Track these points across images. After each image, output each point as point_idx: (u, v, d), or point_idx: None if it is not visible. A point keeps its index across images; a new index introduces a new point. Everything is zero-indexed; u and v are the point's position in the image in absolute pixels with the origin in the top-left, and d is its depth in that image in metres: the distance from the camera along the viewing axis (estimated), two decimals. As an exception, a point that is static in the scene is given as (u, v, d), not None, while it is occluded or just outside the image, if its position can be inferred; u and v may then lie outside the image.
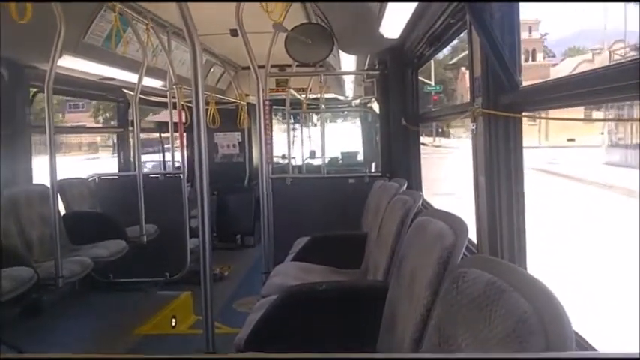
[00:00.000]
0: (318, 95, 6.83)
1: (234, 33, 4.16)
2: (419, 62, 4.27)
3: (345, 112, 14.89)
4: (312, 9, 4.09)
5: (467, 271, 1.25)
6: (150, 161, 8.51)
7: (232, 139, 7.79)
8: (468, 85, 2.50)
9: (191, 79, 2.19)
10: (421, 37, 3.56)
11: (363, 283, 2.82)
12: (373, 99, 6.73)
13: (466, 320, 1.19)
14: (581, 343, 1.58)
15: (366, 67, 5.28)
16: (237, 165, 7.81)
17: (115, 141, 6.36)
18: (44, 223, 4.08)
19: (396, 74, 4.40)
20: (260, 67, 3.79)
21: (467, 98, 2.52)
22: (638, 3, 2.34)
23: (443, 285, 1.40)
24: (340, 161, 9.86)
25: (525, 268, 1.97)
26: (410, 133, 4.38)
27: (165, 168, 7.29)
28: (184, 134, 5.34)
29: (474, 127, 2.30)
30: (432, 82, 22.29)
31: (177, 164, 6.75)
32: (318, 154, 7.92)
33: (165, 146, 7.55)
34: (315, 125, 10.17)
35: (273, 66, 4.49)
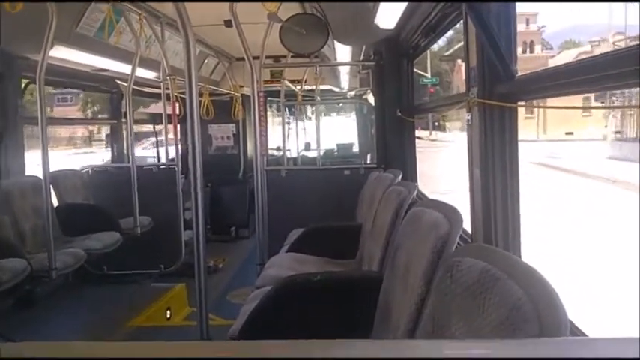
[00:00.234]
0: (313, 87, 6.80)
1: (228, 24, 4.14)
2: (414, 53, 4.25)
3: (341, 104, 14.87)
4: (306, -1, 4.07)
5: (461, 260, 1.25)
6: (142, 156, 8.48)
7: (227, 131, 7.76)
8: (464, 77, 2.49)
9: (184, 71, 2.18)
10: (416, 28, 3.55)
11: (357, 274, 2.82)
12: (368, 90, 6.72)
13: (460, 309, 1.19)
14: (575, 331, 1.59)
15: (361, 58, 5.26)
16: (231, 157, 7.79)
17: (108, 132, 6.32)
18: (37, 214, 4.05)
19: (392, 65, 4.39)
20: (254, 58, 3.76)
21: (463, 90, 2.52)
22: (638, 3, 2.32)
23: (437, 274, 1.40)
24: (335, 153, 9.84)
25: (520, 257, 1.97)
26: (405, 125, 4.37)
27: (159, 160, 7.25)
28: (178, 125, 5.32)
29: (469, 118, 2.29)
30: (429, 75, 22.16)
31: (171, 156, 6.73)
32: (314, 146, 7.91)
33: (159, 138, 7.52)
34: (310, 118, 10.13)
35: (267, 57, 4.46)
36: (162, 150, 6.87)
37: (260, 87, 4.01)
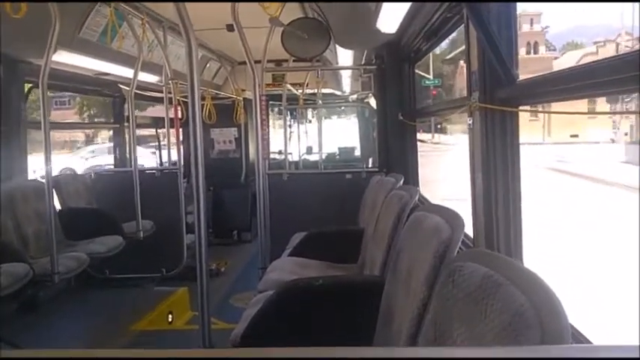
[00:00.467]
0: (315, 90, 6.81)
1: (230, 28, 4.15)
2: (416, 57, 4.26)
3: (342, 108, 14.87)
4: (308, 4, 4.08)
5: (463, 265, 1.25)
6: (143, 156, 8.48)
7: (229, 135, 7.77)
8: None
9: (187, 75, 2.18)
10: (418, 32, 3.55)
11: (359, 278, 2.81)
12: (370, 94, 6.72)
13: (462, 314, 1.18)
14: (578, 337, 1.58)
15: (363, 62, 5.27)
16: (233, 160, 7.80)
17: (103, 136, 6.33)
18: (40, 219, 4.06)
19: (393, 69, 4.39)
20: (256, 62, 3.77)
21: (465, 93, 2.52)
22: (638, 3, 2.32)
23: (439, 279, 1.40)
24: (337, 157, 9.84)
25: (522, 262, 1.97)
26: (407, 128, 4.38)
27: (161, 164, 7.26)
28: (180, 129, 5.33)
29: (470, 122, 2.29)
30: (431, 77, 22.06)
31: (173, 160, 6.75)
32: (315, 149, 7.91)
33: (162, 142, 7.53)
34: (310, 121, 10.13)
35: (269, 61, 4.47)
36: (164, 154, 6.88)
37: (262, 91, 4.02)
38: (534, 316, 0.94)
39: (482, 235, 2.19)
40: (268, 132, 4.23)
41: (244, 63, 4.07)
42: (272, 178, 4.36)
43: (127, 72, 4.67)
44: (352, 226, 3.75)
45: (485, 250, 1.86)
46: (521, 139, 2.15)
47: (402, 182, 3.28)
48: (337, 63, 5.68)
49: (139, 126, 5.77)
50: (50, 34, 3.37)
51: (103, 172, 5.49)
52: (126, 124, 5.98)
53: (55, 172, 5.06)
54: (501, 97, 2.08)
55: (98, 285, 4.87)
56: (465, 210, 1.82)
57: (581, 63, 1.71)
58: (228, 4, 3.37)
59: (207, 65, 6.63)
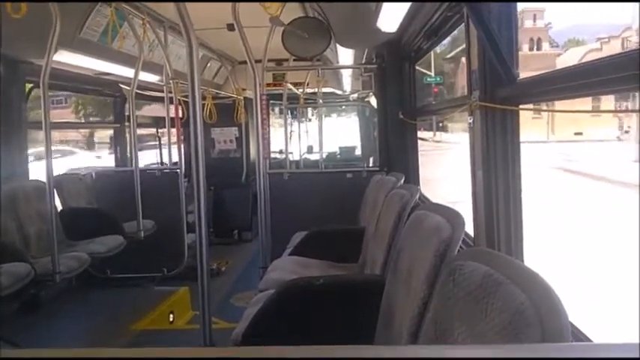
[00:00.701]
0: (316, 90, 6.81)
1: (230, 27, 4.15)
2: (416, 56, 4.26)
3: (343, 107, 14.87)
4: (309, 3, 4.08)
5: (464, 264, 1.25)
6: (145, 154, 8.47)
7: (229, 134, 7.77)
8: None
9: (187, 74, 2.18)
10: (418, 31, 3.55)
11: (360, 278, 2.82)
12: (371, 93, 6.72)
13: (463, 313, 1.19)
14: (578, 335, 1.58)
15: (363, 61, 5.27)
16: (234, 160, 7.80)
17: (99, 136, 6.35)
18: (41, 219, 4.06)
19: (394, 68, 4.39)
20: (257, 61, 3.77)
21: (466, 92, 2.52)
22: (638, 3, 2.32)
23: (440, 278, 1.40)
24: (338, 156, 9.85)
25: (522, 261, 1.97)
26: (407, 127, 4.37)
27: (162, 163, 7.28)
28: (181, 129, 5.33)
29: (471, 121, 2.29)
30: (432, 74, 21.94)
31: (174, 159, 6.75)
32: (316, 148, 7.91)
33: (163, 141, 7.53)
34: (310, 120, 10.13)
35: (270, 60, 4.47)
36: (165, 153, 6.89)
37: (262, 90, 4.02)
38: (534, 314, 0.94)
39: (483, 234, 2.19)
40: (269, 131, 4.23)
41: (245, 62, 4.08)
42: (273, 178, 4.37)
43: (127, 72, 4.67)
44: (353, 226, 3.75)
45: (485, 249, 1.86)
46: (525, 137, 2.14)
47: (402, 181, 3.28)
48: (338, 62, 5.68)
49: (139, 126, 5.77)
50: (51, 34, 3.38)
51: (103, 171, 5.49)
52: (127, 123, 5.98)
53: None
54: (502, 96, 2.08)
55: (99, 285, 4.88)
56: (467, 211, 1.80)
57: (585, 59, 1.69)
58: (229, 4, 3.38)
59: (208, 65, 6.63)
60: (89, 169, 5.37)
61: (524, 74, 2.04)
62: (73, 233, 4.34)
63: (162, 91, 5.30)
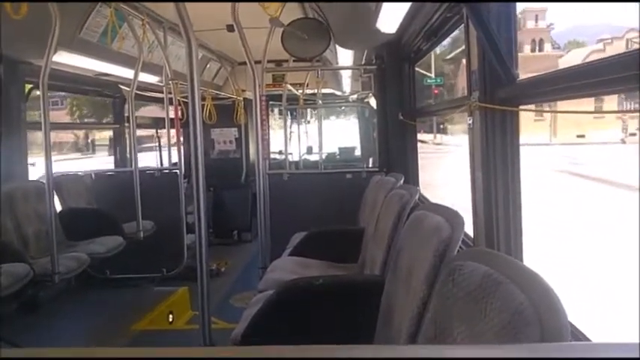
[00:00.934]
0: (315, 91, 6.81)
1: (230, 28, 4.15)
2: (416, 57, 4.26)
3: (343, 108, 14.87)
4: (308, 4, 4.08)
5: (463, 264, 1.25)
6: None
7: (229, 135, 7.77)
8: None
9: (187, 75, 2.18)
10: (418, 32, 3.56)
11: (359, 278, 2.82)
12: (370, 94, 6.72)
13: (462, 313, 1.19)
14: (577, 335, 1.58)
15: (363, 61, 5.27)
16: (234, 161, 7.80)
17: (111, 136, 6.35)
18: (40, 219, 4.06)
19: (393, 69, 4.40)
20: (257, 62, 3.78)
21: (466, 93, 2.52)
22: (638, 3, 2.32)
23: (439, 278, 1.40)
24: (337, 157, 9.85)
25: (522, 261, 1.97)
26: (407, 128, 4.38)
27: (161, 164, 7.28)
28: (181, 130, 5.33)
29: (470, 122, 2.30)
30: (433, 75, 21.84)
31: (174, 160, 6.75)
32: (316, 149, 7.91)
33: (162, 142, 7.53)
34: (309, 122, 10.13)
35: (269, 61, 4.47)
36: (164, 154, 6.89)
37: (262, 91, 4.02)
38: (534, 314, 0.94)
39: (483, 234, 2.19)
40: (268, 132, 4.23)
41: (244, 63, 4.08)
42: (272, 178, 4.37)
43: (127, 72, 4.67)
44: (352, 226, 3.75)
45: (485, 249, 1.86)
46: (528, 139, 2.14)
47: (402, 182, 3.29)
48: (337, 63, 5.68)
49: (139, 126, 5.78)
50: (50, 35, 3.38)
51: (103, 172, 5.49)
52: (126, 124, 5.98)
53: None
54: (501, 97, 2.08)
55: (98, 285, 4.88)
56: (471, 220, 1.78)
57: (587, 60, 1.69)
58: (228, 5, 3.38)
59: (208, 66, 6.64)
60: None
61: (526, 76, 2.04)
62: (73, 233, 4.34)
63: (162, 92, 5.31)
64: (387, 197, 2.80)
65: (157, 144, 7.02)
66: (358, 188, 4.09)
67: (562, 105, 2.05)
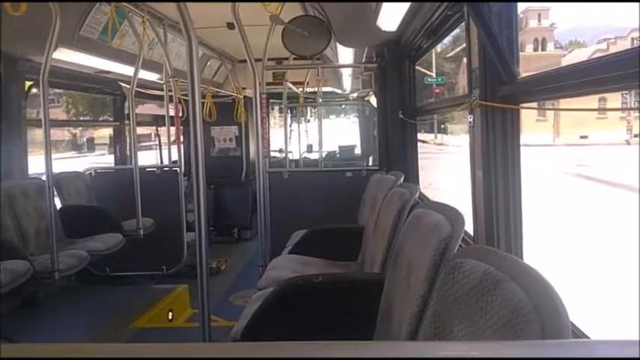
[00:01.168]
0: (316, 89, 6.81)
1: (230, 26, 4.15)
2: (416, 55, 4.25)
3: (343, 106, 14.87)
4: (309, 1, 4.08)
5: (463, 261, 1.25)
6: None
7: (229, 133, 7.76)
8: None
9: (187, 73, 2.18)
10: (418, 30, 3.55)
11: (359, 276, 2.82)
12: (371, 92, 6.72)
13: (462, 311, 1.18)
14: (577, 333, 1.58)
15: (363, 60, 5.26)
16: (234, 159, 7.80)
17: (111, 134, 6.35)
18: (40, 216, 4.06)
19: (394, 67, 4.39)
20: (257, 60, 3.77)
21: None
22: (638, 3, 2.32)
23: (439, 276, 1.40)
24: (337, 155, 9.85)
25: (522, 259, 1.97)
26: (407, 127, 4.37)
27: (161, 162, 7.28)
28: (181, 128, 5.32)
29: (471, 119, 2.29)
30: (434, 74, 21.73)
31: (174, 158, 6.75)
32: (316, 147, 7.91)
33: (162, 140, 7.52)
34: (309, 121, 10.13)
35: (270, 59, 4.47)
36: (165, 152, 6.89)
37: (262, 89, 4.02)
38: (533, 311, 0.94)
39: (483, 233, 2.19)
40: (269, 130, 4.23)
41: (245, 61, 4.08)
42: (272, 176, 4.37)
43: (127, 70, 4.67)
44: (352, 224, 3.75)
45: (485, 247, 1.86)
46: (530, 140, 2.13)
47: (402, 180, 3.28)
48: (337, 61, 5.67)
49: (139, 124, 5.77)
50: (51, 32, 3.37)
51: (103, 169, 5.49)
52: (126, 122, 5.98)
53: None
54: (502, 95, 2.08)
55: (98, 283, 4.88)
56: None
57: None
58: (229, 3, 3.37)
59: (208, 63, 6.63)
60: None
61: (527, 74, 2.03)
62: (73, 231, 4.34)
63: (162, 90, 5.30)
64: (387, 195, 2.80)
65: (157, 142, 7.02)
66: (358, 186, 4.09)
67: (565, 103, 2.05)
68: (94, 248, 4.14)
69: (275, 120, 10.12)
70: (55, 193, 4.30)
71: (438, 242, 1.54)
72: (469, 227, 2.13)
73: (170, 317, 4.25)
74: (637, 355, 0.67)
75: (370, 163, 7.71)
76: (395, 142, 4.45)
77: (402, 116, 4.31)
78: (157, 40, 4.79)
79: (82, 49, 4.07)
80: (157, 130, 7.21)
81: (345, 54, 5.12)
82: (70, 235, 4.31)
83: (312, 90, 7.04)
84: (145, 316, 4.11)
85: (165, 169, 5.49)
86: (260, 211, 4.02)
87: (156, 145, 7.13)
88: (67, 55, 4.00)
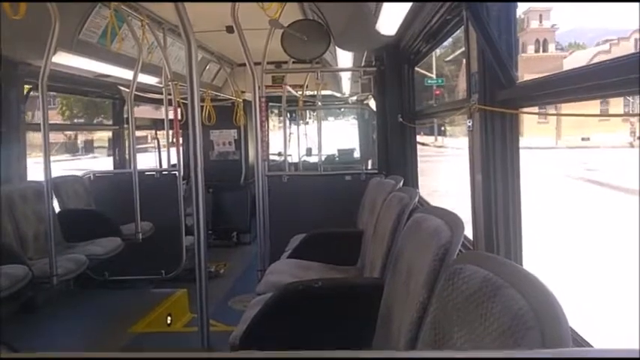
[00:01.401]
0: (315, 92, 6.81)
1: (230, 30, 4.15)
2: (415, 59, 4.26)
3: (342, 110, 14.87)
4: (308, 5, 4.08)
5: (463, 267, 1.25)
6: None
7: (228, 137, 7.76)
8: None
9: (186, 76, 2.18)
10: (417, 34, 3.55)
11: (359, 281, 2.81)
12: (370, 96, 6.72)
13: (462, 317, 1.18)
14: (578, 340, 1.58)
15: (362, 63, 5.27)
16: (233, 162, 7.79)
17: (110, 137, 6.35)
18: (39, 220, 4.05)
19: (393, 71, 4.39)
20: (256, 63, 3.77)
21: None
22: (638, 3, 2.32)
23: (439, 282, 1.39)
24: (337, 158, 9.85)
25: (521, 265, 1.96)
26: (406, 130, 4.37)
27: (160, 165, 7.27)
28: (180, 131, 5.32)
29: (470, 124, 2.29)
30: (434, 76, 21.71)
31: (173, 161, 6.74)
32: (315, 151, 7.91)
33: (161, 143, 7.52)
34: (308, 124, 10.13)
35: (269, 63, 4.47)
36: (164, 155, 6.89)
37: (262, 92, 4.02)
38: (534, 318, 0.93)
39: (482, 238, 2.18)
40: (268, 134, 4.23)
41: (244, 65, 4.08)
42: (271, 180, 4.36)
43: (126, 74, 4.67)
44: (351, 228, 3.74)
45: (484, 253, 1.86)
46: (532, 143, 2.13)
47: (401, 184, 3.28)
48: (337, 65, 5.68)
49: (138, 128, 5.77)
50: (50, 36, 3.37)
51: (101, 173, 5.48)
52: (125, 125, 5.98)
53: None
54: (501, 99, 2.08)
55: (97, 287, 4.87)
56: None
57: (593, 61, 1.69)
58: (228, 6, 3.37)
59: (207, 67, 6.63)
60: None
61: (529, 77, 2.03)
62: (71, 235, 4.33)
63: (161, 93, 5.30)
64: (387, 199, 2.80)
65: (156, 145, 7.01)
66: (357, 190, 4.09)
67: (565, 107, 2.05)
68: (93, 252, 4.13)
69: (274, 123, 10.12)
70: (54, 196, 4.29)
71: (438, 248, 1.54)
72: (468, 232, 2.13)
73: (169, 322, 4.24)
74: (637, 355, 0.66)
75: (369, 167, 7.71)
76: (394, 145, 4.44)
77: (401, 120, 4.31)
78: (156, 43, 4.80)
79: (82, 53, 4.07)
80: (155, 133, 7.21)
81: (345, 58, 5.12)
82: (68, 240, 4.30)
83: (311, 93, 7.05)
84: (143, 320, 4.10)
85: (164, 172, 5.49)
86: (259, 215, 4.01)
87: (154, 148, 7.13)
88: (66, 59, 4.00)
